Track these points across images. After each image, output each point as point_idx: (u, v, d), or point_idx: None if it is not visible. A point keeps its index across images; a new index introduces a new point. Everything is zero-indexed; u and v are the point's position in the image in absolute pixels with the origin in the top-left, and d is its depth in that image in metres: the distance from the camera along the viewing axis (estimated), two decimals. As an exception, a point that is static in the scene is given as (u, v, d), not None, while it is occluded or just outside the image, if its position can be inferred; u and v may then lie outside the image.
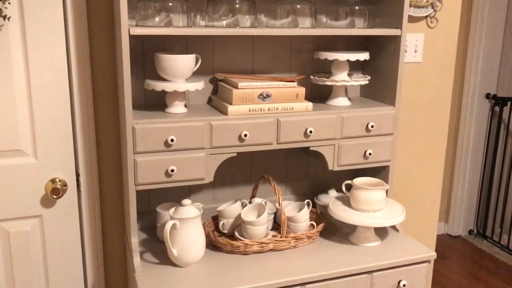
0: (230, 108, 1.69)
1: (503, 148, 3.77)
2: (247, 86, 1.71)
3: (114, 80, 1.81)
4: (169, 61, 1.63)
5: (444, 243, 3.87)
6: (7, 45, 1.61)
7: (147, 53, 1.76)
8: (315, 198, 2.07)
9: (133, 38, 1.52)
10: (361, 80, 1.91)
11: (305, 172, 2.12)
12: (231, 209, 1.81)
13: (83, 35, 1.71)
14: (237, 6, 1.71)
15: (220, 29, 1.67)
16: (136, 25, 1.65)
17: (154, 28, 1.59)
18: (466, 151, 3.86)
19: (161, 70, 1.65)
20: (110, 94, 1.82)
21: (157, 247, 1.76)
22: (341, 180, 2.04)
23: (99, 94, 1.80)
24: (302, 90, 1.79)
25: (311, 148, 1.81)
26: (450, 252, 3.75)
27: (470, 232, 4.03)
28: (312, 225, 1.86)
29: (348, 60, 1.86)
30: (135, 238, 1.64)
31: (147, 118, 1.60)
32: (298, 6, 1.81)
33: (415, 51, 2.22)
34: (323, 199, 2.05)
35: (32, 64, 1.65)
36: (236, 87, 1.71)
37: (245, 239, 1.73)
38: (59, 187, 1.74)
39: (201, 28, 1.71)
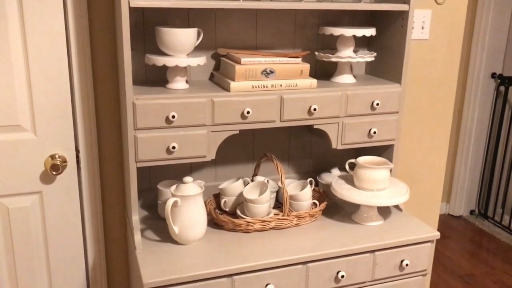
0: (233, 85, 1.65)
1: (507, 128, 3.73)
2: (250, 62, 1.67)
3: (114, 54, 1.77)
4: (170, 35, 1.59)
5: (446, 223, 3.87)
6: (3, 17, 1.57)
7: (148, 27, 1.71)
8: (318, 177, 2.05)
9: (133, 11, 1.48)
10: (367, 56, 1.86)
11: (308, 151, 2.09)
12: (233, 187, 1.79)
13: (82, 7, 1.67)
14: (240, -22, 1.66)
15: (222, 2, 1.62)
16: (137, -2, 1.60)
17: (155, 0, 1.55)
18: (469, 131, 3.83)
19: (162, 44, 1.61)
20: (110, 69, 1.78)
21: (158, 225, 1.74)
22: (344, 159, 2.01)
23: (99, 69, 1.77)
24: (306, 67, 1.75)
25: (315, 126, 1.78)
26: (451, 232, 3.76)
27: (472, 212, 4.02)
28: (314, 203, 1.85)
29: (354, 36, 1.82)
30: (136, 216, 1.62)
31: (148, 94, 1.57)
32: (304, -20, 1.76)
33: (422, 28, 2.16)
34: (326, 178, 2.03)
35: (30, 37, 1.61)
36: (239, 63, 1.67)
37: (247, 217, 1.72)
38: (58, 163, 1.72)
39: (203, 0, 1.66)
